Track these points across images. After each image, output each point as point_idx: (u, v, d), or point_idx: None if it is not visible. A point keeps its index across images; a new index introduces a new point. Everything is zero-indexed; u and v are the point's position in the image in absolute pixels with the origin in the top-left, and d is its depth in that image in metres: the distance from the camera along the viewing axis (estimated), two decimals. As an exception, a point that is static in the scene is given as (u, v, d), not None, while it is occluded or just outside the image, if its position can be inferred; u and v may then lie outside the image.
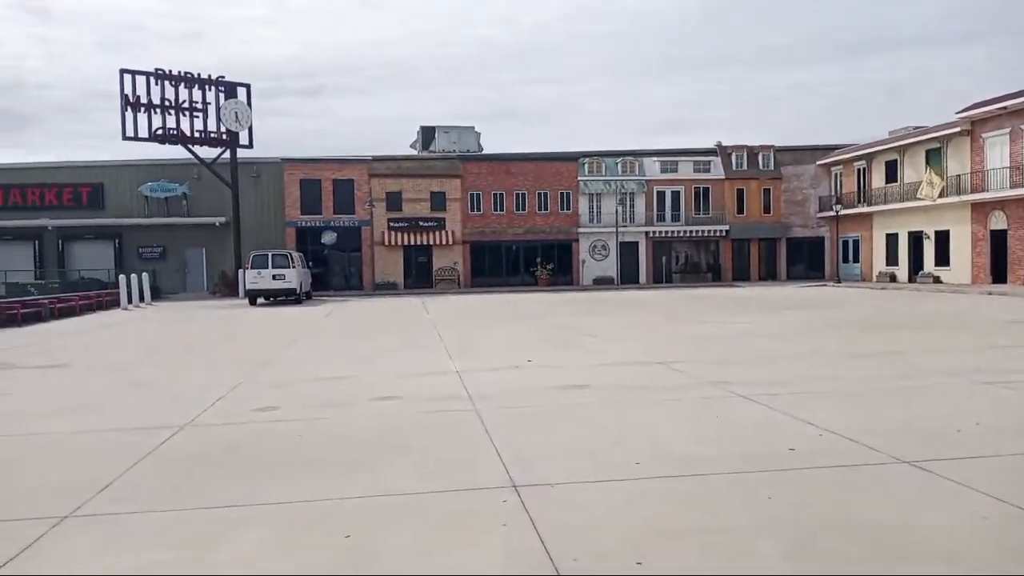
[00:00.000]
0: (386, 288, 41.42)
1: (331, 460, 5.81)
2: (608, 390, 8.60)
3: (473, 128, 52.26)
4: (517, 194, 43.38)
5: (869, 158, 41.75)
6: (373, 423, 7.15)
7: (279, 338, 15.93)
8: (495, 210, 43.22)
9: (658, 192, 44.68)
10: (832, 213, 42.72)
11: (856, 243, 43.27)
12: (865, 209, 41.52)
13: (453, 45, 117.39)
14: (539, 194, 43.57)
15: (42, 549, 4.08)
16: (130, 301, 30.49)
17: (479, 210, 43.01)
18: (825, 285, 39.51)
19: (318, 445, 6.34)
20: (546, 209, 43.62)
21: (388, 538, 4.11)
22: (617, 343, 13.58)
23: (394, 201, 42.03)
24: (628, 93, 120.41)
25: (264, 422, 7.31)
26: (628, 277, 44.21)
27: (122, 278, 30.95)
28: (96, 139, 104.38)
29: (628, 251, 44.43)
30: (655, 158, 45.07)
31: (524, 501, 4.64)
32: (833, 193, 44.63)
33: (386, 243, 41.79)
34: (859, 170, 42.83)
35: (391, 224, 41.92)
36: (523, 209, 43.47)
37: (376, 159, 42.66)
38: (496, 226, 43.18)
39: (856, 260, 43.30)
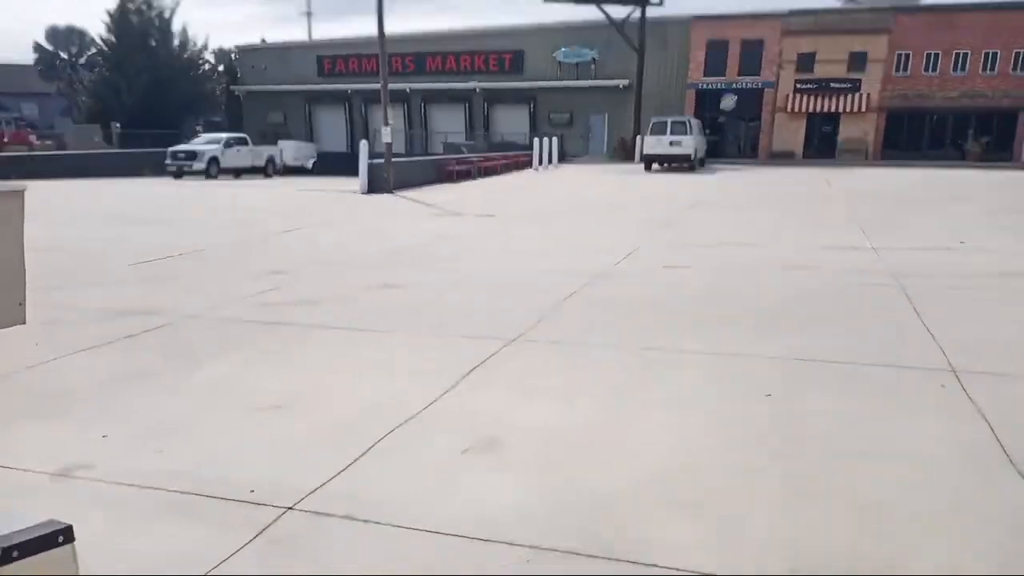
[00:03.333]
0: (782, 158, 39.22)
1: (746, 319, 5.84)
2: (1071, 283, 7.25)
3: (913, -28, 45.18)
4: (957, 53, 37.08)
5: None
6: (786, 290, 6.97)
7: (677, 202, 16.15)
8: (926, 71, 37.59)
9: None
10: None
11: None
12: None
13: None
14: (987, 53, 36.72)
15: (496, 363, 4.80)
16: (541, 162, 33.22)
17: (906, 71, 37.80)
18: None
19: (730, 303, 6.40)
20: (993, 70, 36.74)
21: (809, 401, 4.05)
22: (1081, 231, 11.27)
23: (805, 62, 38.84)
24: None
25: (675, 278, 7.56)
26: (1095, 155, 35.92)
27: (536, 141, 33.70)
28: (514, 3, 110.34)
29: (1099, 122, 35.87)
30: None
31: (966, 388, 4.20)
32: None
33: (788, 108, 39.18)
34: None
35: (798, 87, 39.00)
36: (962, 70, 37.17)
37: (792, 13, 39.43)
38: (923, 90, 37.72)
39: None
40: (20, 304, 1.39)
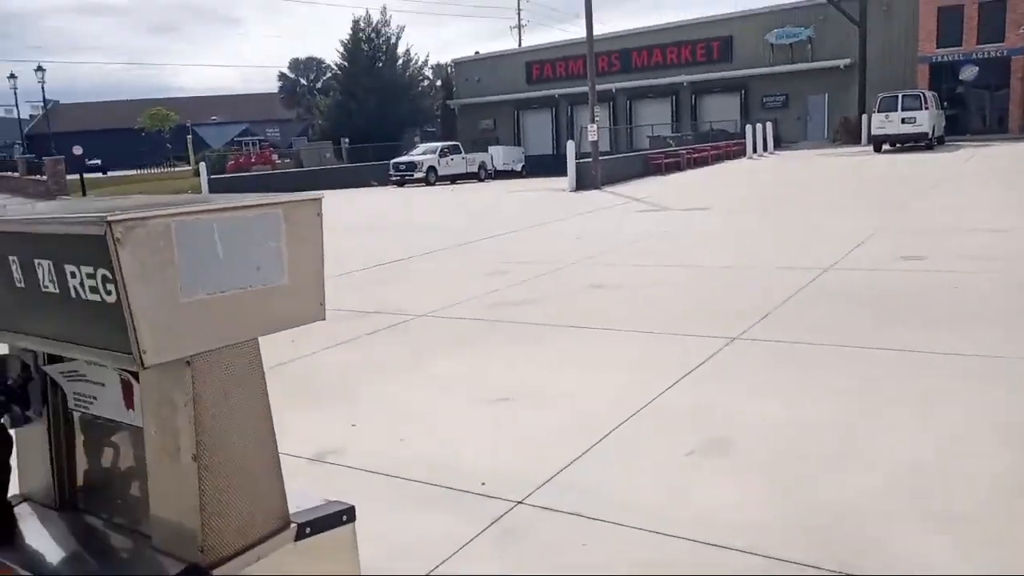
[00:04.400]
0: (1041, 130, 34.58)
1: (1001, 317, 5.24)
2: None
3: None
4: None
5: None
6: (1049, 281, 6.17)
7: (914, 185, 14.79)
8: None
9: None
10: None
11: None
12: None
13: None
14: None
15: (720, 361, 4.66)
16: (755, 150, 31.83)
17: None
18: None
19: (981, 299, 5.77)
20: None
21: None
22: None
23: (1061, 20, 34.02)
24: None
25: (913, 271, 6.94)
26: None
27: (748, 128, 32.37)
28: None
29: None
30: None
31: None
32: None
33: (1044, 75, 34.50)
34: None
35: (1054, 50, 34.25)
36: None
37: (1040, -30, 34.80)
38: None
39: None
40: (321, 304, 1.55)
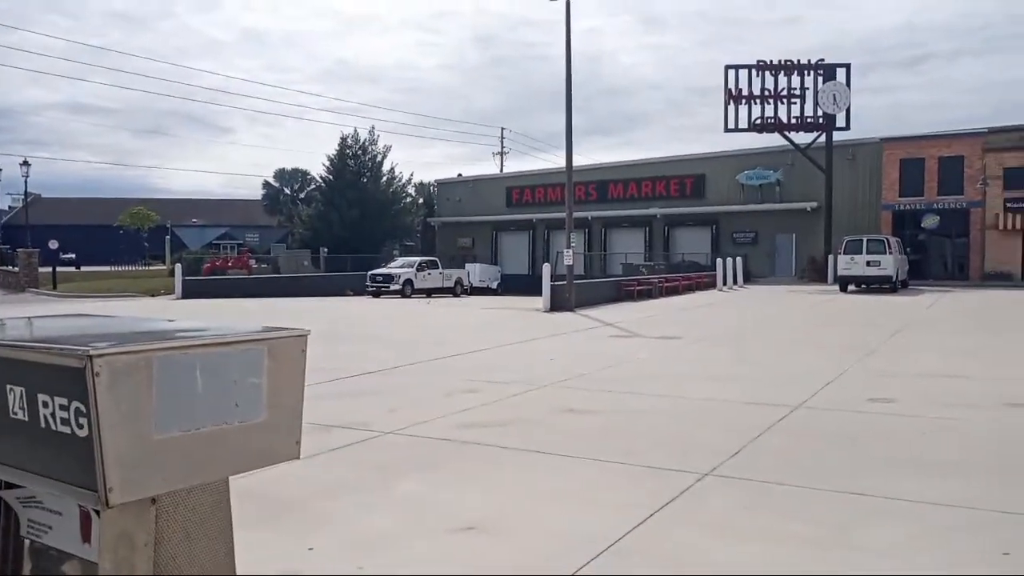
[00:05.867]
0: (998, 279, 35.85)
1: (971, 464, 5.26)
2: None
3: None
4: None
5: None
6: (1010, 436, 6.24)
7: (880, 326, 15.13)
8: None
9: None
10: None
11: None
12: None
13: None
14: None
15: (690, 498, 4.60)
16: (725, 283, 32.58)
17: None
18: None
19: (950, 444, 5.82)
20: None
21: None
22: None
23: (1014, 178, 35.95)
24: None
25: (880, 414, 7.00)
26: None
27: (719, 261, 33.25)
28: (693, 132, 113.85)
29: None
30: None
31: None
32: None
33: (1000, 227, 36.10)
34: None
35: (1008, 205, 36.00)
36: None
37: (992, 131, 37.08)
38: None
39: None
40: (296, 442, 1.50)
